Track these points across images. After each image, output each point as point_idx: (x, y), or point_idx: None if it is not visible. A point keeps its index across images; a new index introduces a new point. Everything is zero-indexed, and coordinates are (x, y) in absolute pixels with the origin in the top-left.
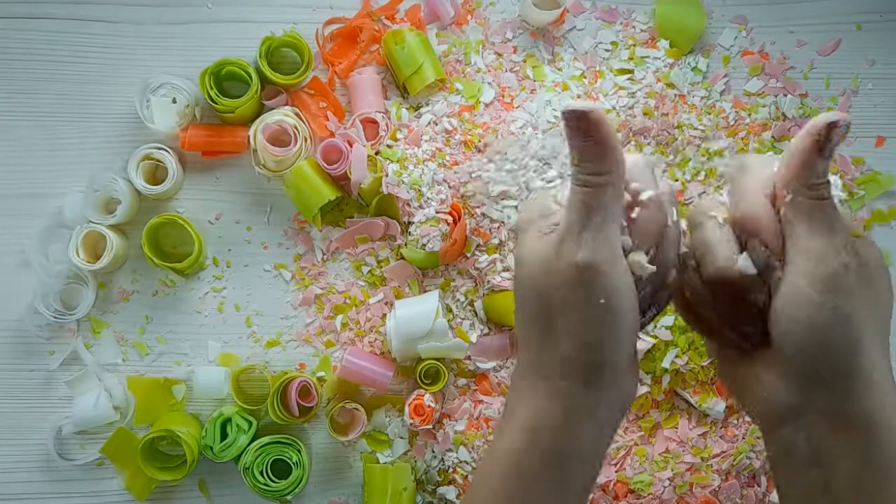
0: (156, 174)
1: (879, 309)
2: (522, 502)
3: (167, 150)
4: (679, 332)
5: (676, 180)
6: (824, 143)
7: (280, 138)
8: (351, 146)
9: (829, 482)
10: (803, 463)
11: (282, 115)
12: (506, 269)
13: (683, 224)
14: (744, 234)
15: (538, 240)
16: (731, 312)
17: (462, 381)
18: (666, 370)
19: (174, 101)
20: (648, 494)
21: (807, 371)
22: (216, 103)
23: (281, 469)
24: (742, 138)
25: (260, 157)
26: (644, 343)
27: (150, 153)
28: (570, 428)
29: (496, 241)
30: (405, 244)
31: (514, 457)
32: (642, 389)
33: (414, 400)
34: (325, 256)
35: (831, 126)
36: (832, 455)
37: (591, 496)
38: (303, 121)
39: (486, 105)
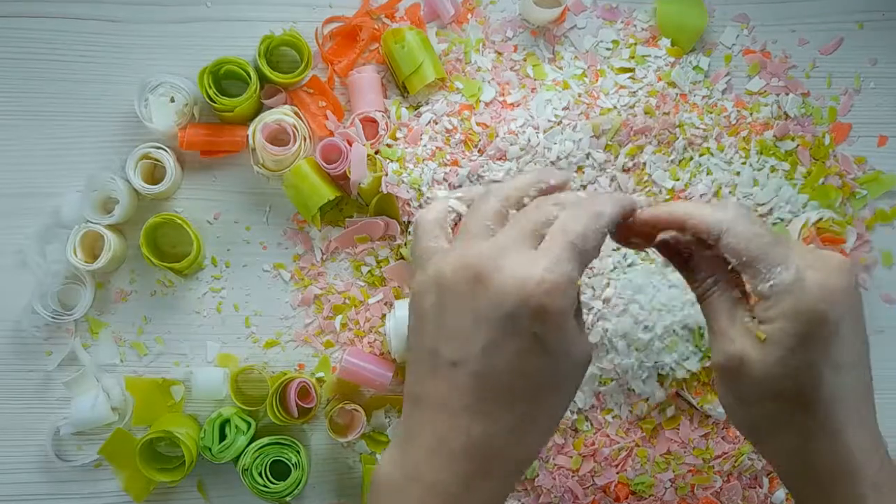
0: (154, 174)
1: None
2: None
3: (165, 150)
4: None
5: (677, 180)
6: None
7: (279, 137)
8: (350, 145)
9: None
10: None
11: (281, 115)
12: None
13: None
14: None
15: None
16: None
17: None
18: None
19: (172, 100)
20: (650, 496)
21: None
22: (215, 102)
23: (280, 470)
24: (744, 137)
25: (259, 156)
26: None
27: (148, 152)
28: None
29: None
30: (405, 244)
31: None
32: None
33: None
34: (325, 256)
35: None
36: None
37: (592, 498)
38: (302, 120)
39: (487, 104)
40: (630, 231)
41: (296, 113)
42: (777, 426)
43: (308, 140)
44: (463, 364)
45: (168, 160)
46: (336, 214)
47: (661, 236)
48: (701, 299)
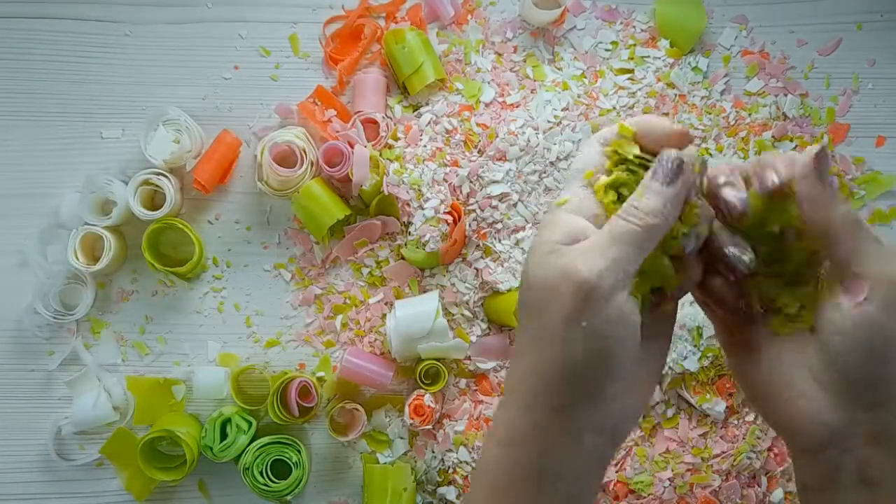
0: (154, 199)
1: None
2: None
3: (167, 176)
4: (681, 338)
5: None
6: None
7: (287, 158)
8: (352, 147)
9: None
10: (851, 485)
11: (292, 136)
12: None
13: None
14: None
15: (549, 255)
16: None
17: (462, 382)
18: (667, 372)
19: (177, 141)
20: (649, 494)
21: (859, 392)
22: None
23: (281, 469)
24: (742, 138)
25: (264, 173)
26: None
27: (148, 178)
28: (545, 446)
29: (496, 242)
30: (405, 244)
31: (494, 472)
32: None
33: (414, 400)
34: (326, 264)
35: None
36: (882, 477)
37: None
38: (311, 144)
39: (486, 105)
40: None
41: (306, 136)
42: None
43: (315, 165)
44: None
45: (168, 187)
46: (339, 224)
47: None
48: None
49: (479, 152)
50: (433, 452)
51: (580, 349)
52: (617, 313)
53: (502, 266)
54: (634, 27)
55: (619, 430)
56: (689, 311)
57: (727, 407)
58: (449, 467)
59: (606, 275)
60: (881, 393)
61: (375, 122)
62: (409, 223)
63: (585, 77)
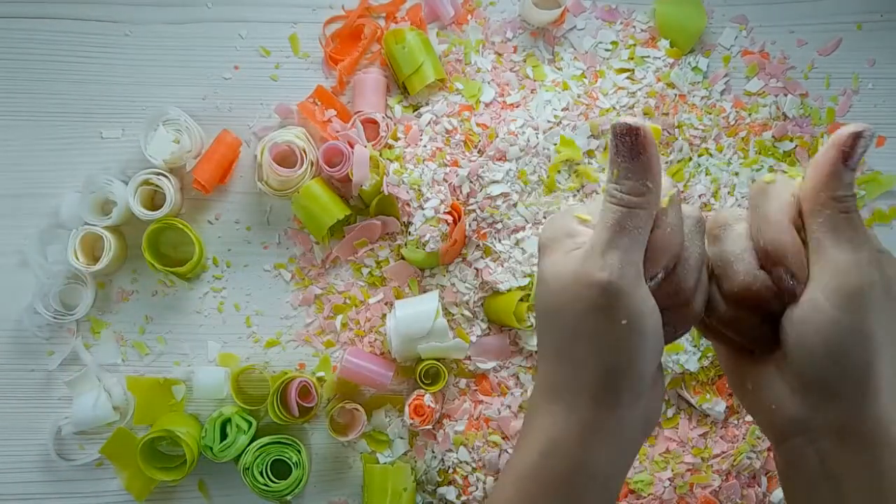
0: (154, 199)
1: None
2: None
3: (167, 176)
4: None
5: (680, 180)
6: (850, 153)
7: (287, 158)
8: (352, 147)
9: (841, 498)
10: (813, 476)
11: (292, 136)
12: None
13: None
14: (768, 263)
15: (562, 258)
16: (744, 319)
17: (462, 382)
18: (666, 371)
19: (177, 141)
20: (649, 494)
21: (818, 385)
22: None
23: (281, 469)
24: (743, 138)
25: (264, 173)
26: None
27: (148, 178)
28: (585, 452)
29: (496, 242)
30: (405, 244)
31: (528, 478)
32: None
33: (414, 400)
34: (326, 264)
35: (856, 136)
36: (842, 470)
37: None
38: (311, 144)
39: (486, 105)
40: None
41: (306, 136)
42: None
43: (315, 165)
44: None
45: (168, 187)
46: (339, 224)
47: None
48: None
49: (479, 152)
50: (433, 452)
51: (620, 346)
52: (644, 304)
53: (502, 266)
54: (634, 27)
55: (650, 421)
56: None
57: (727, 407)
58: (449, 467)
59: (620, 271)
60: (838, 384)
61: (375, 122)
62: (409, 223)
63: (585, 77)
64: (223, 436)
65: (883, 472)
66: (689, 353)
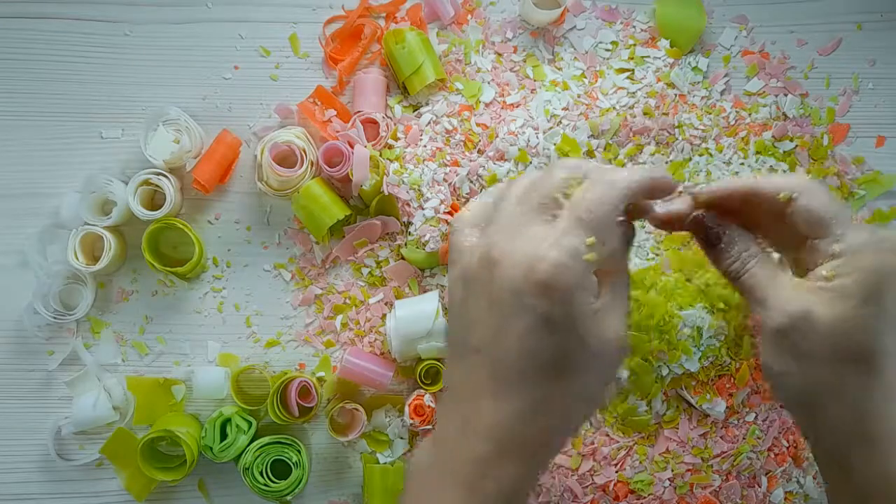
0: (154, 199)
1: None
2: None
3: (167, 176)
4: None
5: (681, 180)
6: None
7: (287, 158)
8: (352, 147)
9: None
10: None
11: (292, 136)
12: None
13: None
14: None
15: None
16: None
17: None
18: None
19: (177, 141)
20: (649, 495)
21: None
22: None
23: (281, 469)
24: (743, 138)
25: (264, 173)
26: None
27: (148, 178)
28: (540, 425)
29: None
30: (405, 244)
31: (479, 465)
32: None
33: (414, 400)
34: (326, 264)
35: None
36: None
37: (592, 497)
38: (311, 144)
39: (486, 105)
40: (670, 222)
41: (306, 136)
42: (836, 390)
43: (315, 165)
44: (484, 349)
45: (168, 187)
46: (339, 224)
47: (696, 213)
48: (737, 275)
49: (479, 152)
50: None
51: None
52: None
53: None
54: (634, 27)
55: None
56: (690, 311)
57: (727, 407)
58: None
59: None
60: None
61: (375, 122)
62: (409, 223)
63: (585, 77)
64: (223, 436)
65: None
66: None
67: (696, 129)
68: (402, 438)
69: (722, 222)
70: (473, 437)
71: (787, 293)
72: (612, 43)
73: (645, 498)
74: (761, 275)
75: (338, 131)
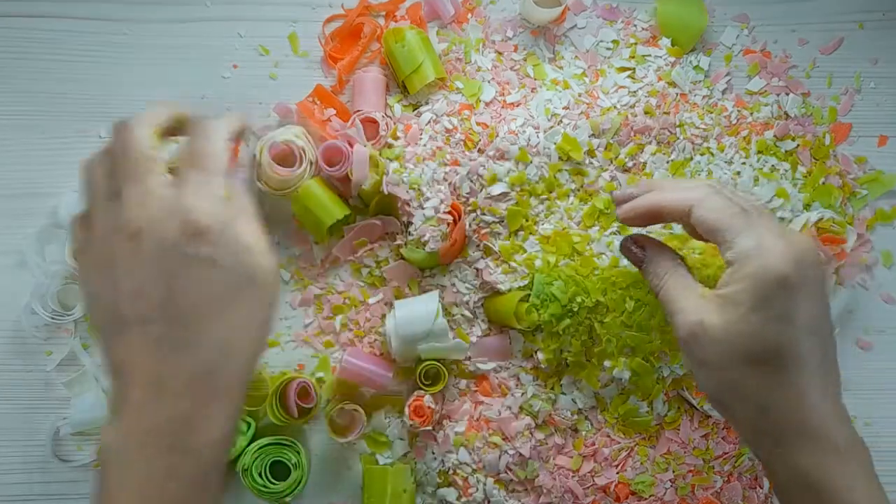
0: None
1: None
2: None
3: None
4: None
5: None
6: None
7: (286, 158)
8: (352, 147)
9: None
10: None
11: (291, 136)
12: (505, 272)
13: None
14: None
15: None
16: None
17: (462, 382)
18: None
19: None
20: (650, 496)
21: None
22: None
23: (280, 470)
24: (744, 137)
25: (263, 172)
26: None
27: None
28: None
29: (496, 242)
30: (405, 244)
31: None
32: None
33: (414, 401)
34: (326, 264)
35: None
36: None
37: (593, 498)
38: (311, 143)
39: (487, 104)
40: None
41: (305, 135)
42: (742, 389)
43: (314, 165)
44: (149, 315)
45: None
46: (338, 224)
47: (624, 243)
48: (657, 291)
49: (479, 151)
50: (433, 454)
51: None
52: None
53: (502, 266)
54: (635, 26)
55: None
56: None
57: None
58: (449, 468)
59: None
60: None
61: (375, 122)
62: (409, 223)
63: (586, 76)
64: None
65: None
66: None
67: (698, 128)
68: (401, 439)
69: (642, 243)
70: (171, 399)
71: (691, 304)
72: (613, 42)
73: (646, 499)
74: (674, 289)
75: (337, 130)
